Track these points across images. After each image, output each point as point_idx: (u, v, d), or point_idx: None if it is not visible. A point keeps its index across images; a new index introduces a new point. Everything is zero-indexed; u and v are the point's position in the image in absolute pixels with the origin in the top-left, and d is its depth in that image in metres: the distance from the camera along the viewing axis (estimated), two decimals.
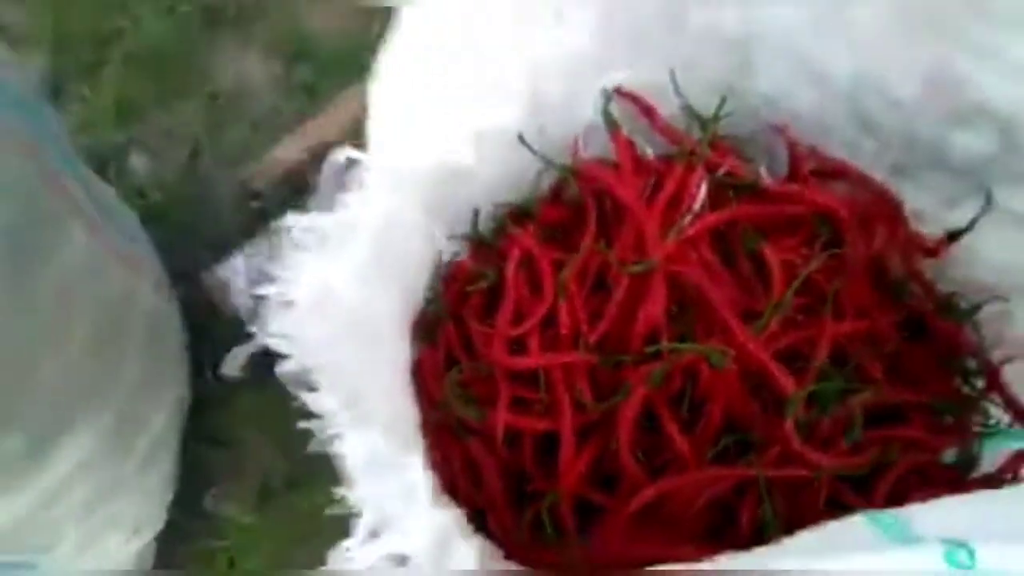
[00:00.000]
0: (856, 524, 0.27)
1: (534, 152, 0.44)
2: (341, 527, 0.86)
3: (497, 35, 0.34)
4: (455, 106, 0.32)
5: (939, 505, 0.26)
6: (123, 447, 0.76)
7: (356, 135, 1.00)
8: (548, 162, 0.46)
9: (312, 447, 0.32)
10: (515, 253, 0.44)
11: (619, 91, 0.47)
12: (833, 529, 0.28)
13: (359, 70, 1.05)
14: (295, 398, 0.94)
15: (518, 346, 0.43)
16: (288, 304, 0.32)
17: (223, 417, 0.90)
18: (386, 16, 1.11)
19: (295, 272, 0.31)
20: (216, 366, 0.90)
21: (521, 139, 0.43)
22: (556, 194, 0.48)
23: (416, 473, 0.27)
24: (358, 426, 0.28)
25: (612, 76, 0.46)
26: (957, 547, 0.22)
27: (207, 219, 0.97)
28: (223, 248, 0.93)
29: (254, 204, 0.98)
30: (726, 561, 0.28)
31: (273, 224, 0.93)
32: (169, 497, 0.84)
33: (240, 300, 0.88)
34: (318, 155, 0.99)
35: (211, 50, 1.05)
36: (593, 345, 0.42)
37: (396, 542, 0.25)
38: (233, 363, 0.83)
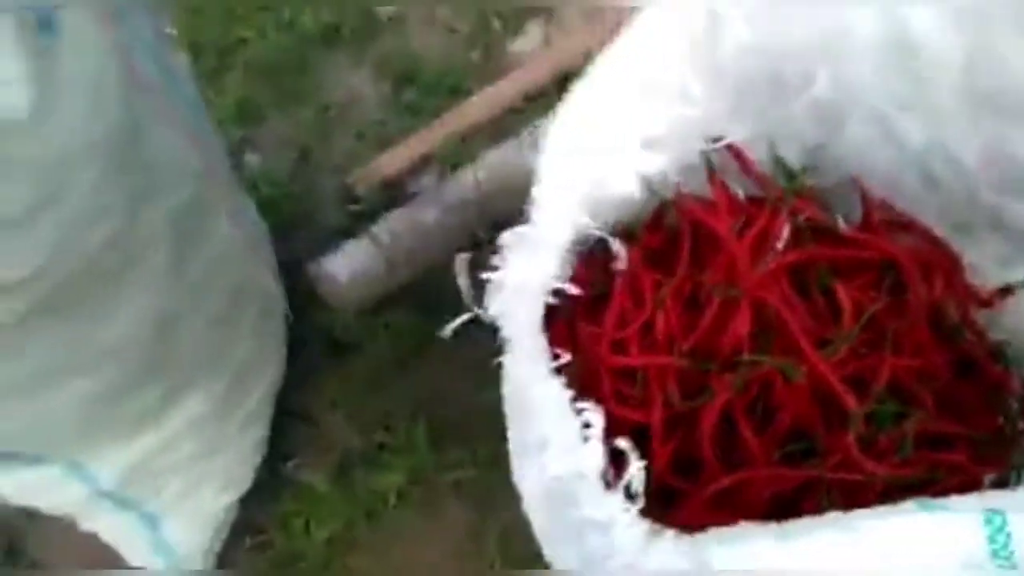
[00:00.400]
0: (905, 505, 0.34)
1: (652, 189, 0.52)
2: (408, 504, 0.94)
3: (636, 101, 0.42)
4: (612, 152, 0.39)
5: (978, 494, 0.33)
6: (228, 412, 0.85)
7: (451, 150, 1.10)
8: (655, 194, 0.54)
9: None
10: (622, 269, 0.52)
11: (720, 141, 0.54)
12: (885, 509, 0.35)
13: (458, 92, 1.16)
14: (376, 384, 1.02)
15: (619, 347, 0.50)
16: (501, 288, 0.40)
17: (310, 395, 0.98)
18: (485, 45, 1.21)
19: (508, 266, 0.40)
20: (309, 347, 0.99)
21: (643, 179, 0.51)
22: (657, 220, 0.56)
23: (591, 414, 0.35)
24: (545, 379, 0.36)
25: (716, 128, 0.53)
26: (994, 513, 0.28)
27: (311, 216, 1.07)
28: (324, 243, 1.03)
29: (354, 207, 1.07)
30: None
31: (370, 226, 1.02)
32: (257, 461, 0.92)
33: (339, 291, 0.97)
34: (416, 167, 1.09)
35: (326, 65, 1.16)
36: (685, 351, 0.49)
37: (581, 462, 0.33)
38: None
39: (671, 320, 0.50)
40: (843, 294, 0.53)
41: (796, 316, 0.51)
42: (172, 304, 0.66)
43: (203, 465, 0.85)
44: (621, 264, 0.50)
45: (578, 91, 0.43)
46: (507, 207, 1.02)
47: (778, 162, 0.57)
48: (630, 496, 0.34)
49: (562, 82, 1.11)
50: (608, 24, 1.15)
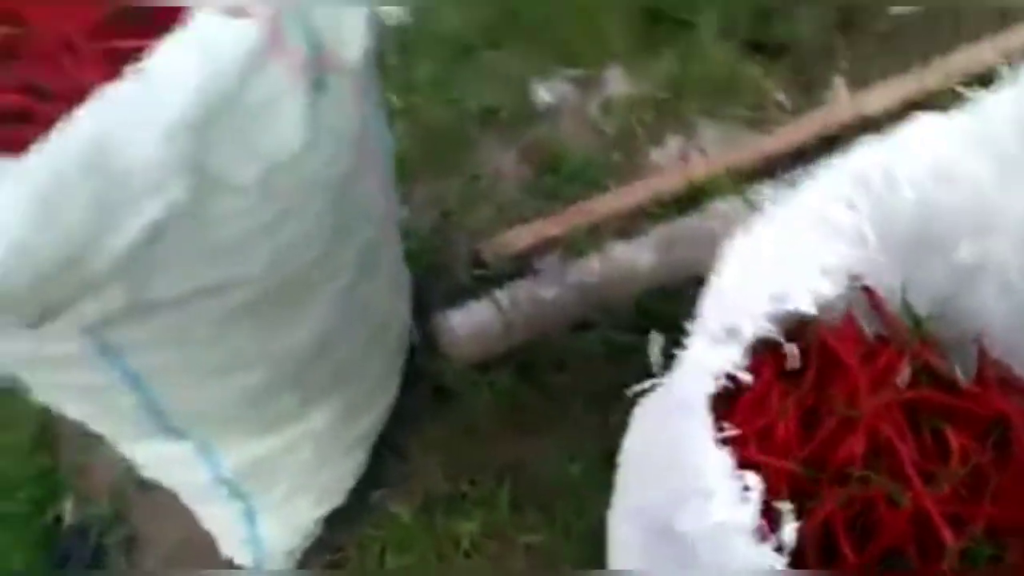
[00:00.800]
0: None
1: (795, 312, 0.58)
2: (479, 554, 0.98)
3: (815, 234, 0.49)
4: (795, 273, 0.46)
5: None
6: (343, 430, 0.93)
7: (579, 237, 1.18)
8: (797, 316, 0.60)
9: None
10: (757, 372, 0.58)
11: (860, 283, 0.61)
12: None
13: (595, 186, 1.26)
14: (471, 436, 1.08)
15: (742, 440, 0.56)
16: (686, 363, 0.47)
17: (409, 433, 1.05)
18: (627, 149, 1.30)
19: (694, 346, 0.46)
20: (417, 388, 1.07)
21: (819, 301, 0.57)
22: (794, 335, 0.62)
23: (751, 477, 0.41)
24: (713, 445, 0.43)
25: (860, 268, 0.60)
26: None
27: (442, 271, 1.16)
28: (449, 298, 1.12)
29: (480, 271, 1.17)
30: None
31: (494, 290, 1.11)
32: (351, 482, 0.99)
33: (456, 344, 1.05)
34: (543, 247, 1.19)
35: (480, 141, 1.28)
36: (800, 458, 0.55)
37: (739, 514, 0.39)
38: None
39: (790, 427, 0.56)
40: (952, 438, 0.57)
41: (906, 447, 0.55)
42: (337, 324, 0.75)
43: (310, 475, 0.92)
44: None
45: (768, 214, 0.50)
46: (622, 296, 1.10)
47: (907, 308, 0.63)
48: (778, 549, 0.40)
49: (693, 193, 1.20)
50: (740, 149, 1.24)
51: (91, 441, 1.10)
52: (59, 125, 0.58)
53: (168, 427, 0.75)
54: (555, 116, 1.29)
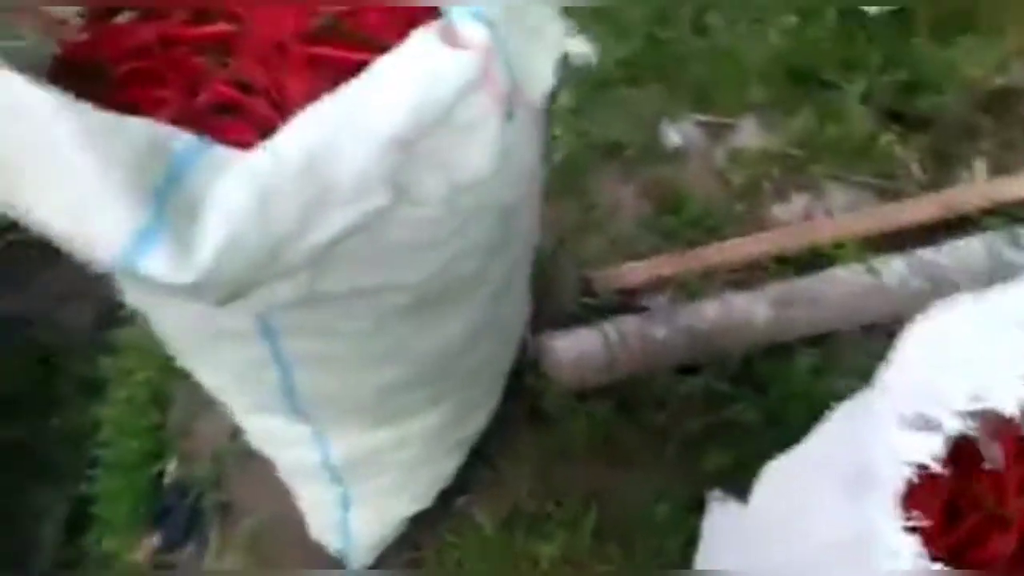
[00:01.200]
0: None
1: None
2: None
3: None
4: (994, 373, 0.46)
5: None
6: (450, 432, 0.95)
7: (693, 281, 1.17)
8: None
9: None
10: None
11: None
12: None
13: (713, 233, 1.25)
14: (564, 459, 1.09)
15: None
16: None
17: (502, 446, 1.07)
18: (750, 202, 1.29)
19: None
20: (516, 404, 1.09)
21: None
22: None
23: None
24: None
25: None
26: None
27: (552, 294, 1.18)
28: (555, 321, 1.14)
29: (589, 299, 1.18)
30: None
31: (602, 321, 1.13)
32: (442, 485, 1.02)
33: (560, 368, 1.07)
34: (654, 285, 1.19)
35: (603, 172, 1.30)
36: (939, 553, 0.54)
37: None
38: None
39: (936, 518, 0.55)
40: None
41: None
42: (476, 331, 0.78)
43: (410, 472, 0.95)
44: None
45: (958, 305, 0.50)
46: (731, 346, 1.10)
47: None
48: None
49: (814, 254, 1.19)
50: (867, 217, 1.22)
51: (199, 407, 1.17)
52: (280, 126, 0.64)
53: (295, 409, 0.79)
54: (681, 158, 1.30)
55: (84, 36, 0.67)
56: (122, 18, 0.71)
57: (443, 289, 0.68)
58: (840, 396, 1.06)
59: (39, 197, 0.49)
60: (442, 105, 0.52)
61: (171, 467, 1.11)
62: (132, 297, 0.72)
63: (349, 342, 0.70)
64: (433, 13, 0.69)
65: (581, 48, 0.62)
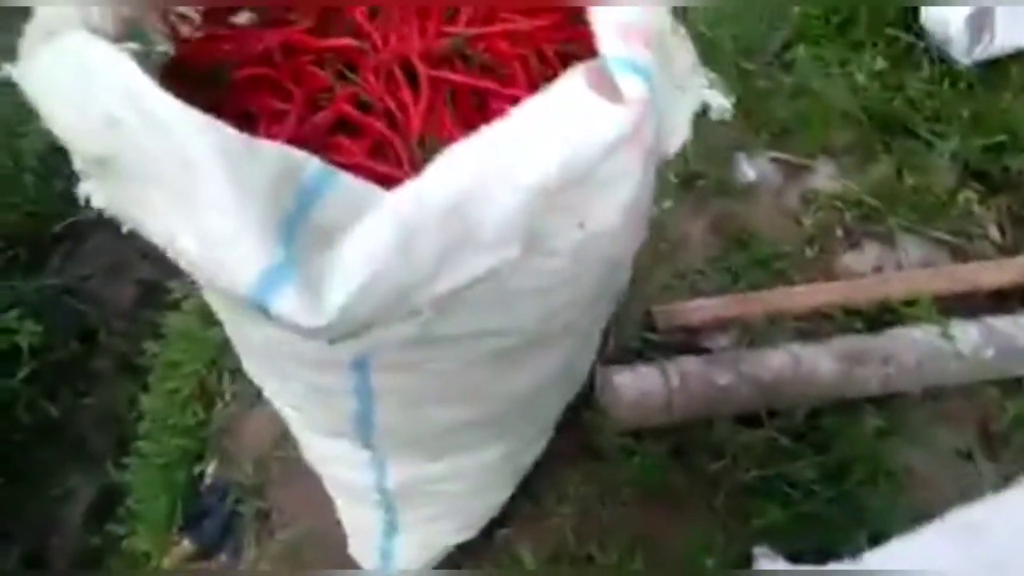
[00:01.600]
0: None
1: None
2: None
3: None
4: None
5: None
6: (503, 466, 0.92)
7: (759, 326, 1.14)
8: None
9: None
10: None
11: None
12: None
13: (780, 277, 1.22)
14: (611, 500, 1.05)
15: None
16: None
17: (548, 481, 1.04)
18: (821, 247, 1.26)
19: None
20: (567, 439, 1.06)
21: None
22: None
23: None
24: None
25: None
26: None
27: (615, 328, 1.15)
28: (614, 354, 1.11)
29: (650, 334, 1.15)
30: None
31: (663, 359, 1.09)
32: (489, 518, 0.99)
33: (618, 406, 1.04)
34: (718, 325, 1.16)
35: (674, 204, 1.27)
36: None
37: None
38: None
39: None
40: None
41: None
42: (559, 372, 0.75)
43: (462, 503, 0.93)
44: None
45: None
46: (796, 399, 1.06)
47: None
48: None
49: (885, 309, 1.16)
50: (941, 276, 1.19)
51: (245, 406, 1.14)
52: (395, 147, 0.61)
53: (364, 437, 0.76)
54: (754, 194, 1.27)
55: (202, 35, 0.64)
56: (240, 18, 0.68)
57: (540, 336, 0.65)
58: (904, 463, 1.04)
59: (169, 217, 0.46)
60: (592, 160, 0.49)
61: (211, 468, 1.08)
62: (216, 303, 0.70)
63: (433, 380, 0.67)
64: (565, 43, 0.66)
65: (719, 100, 0.59)
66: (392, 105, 0.62)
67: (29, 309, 1.31)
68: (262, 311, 0.46)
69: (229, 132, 0.46)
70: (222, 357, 1.16)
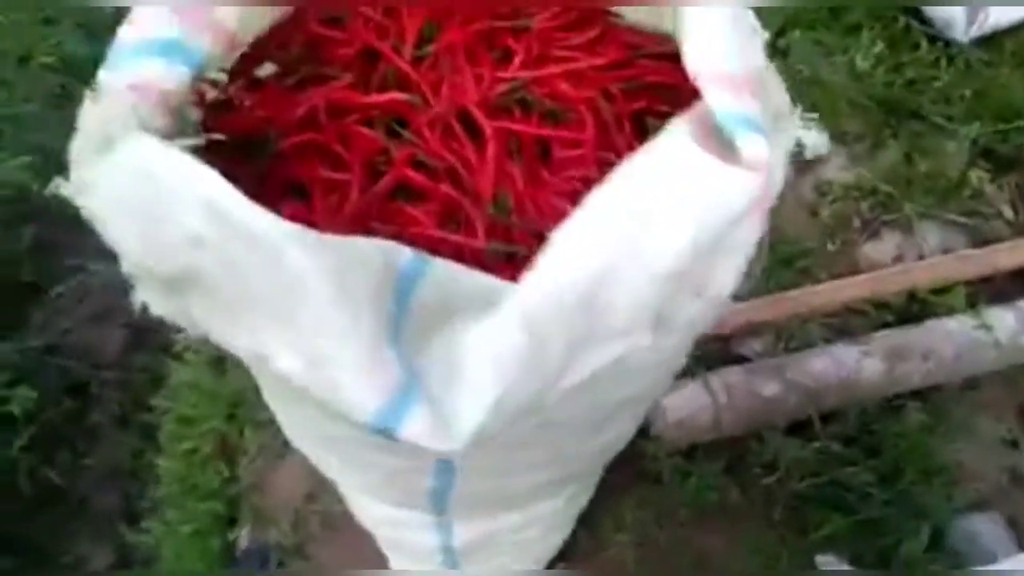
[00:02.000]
0: None
1: None
2: None
3: None
4: None
5: None
6: (568, 509, 0.89)
7: (793, 327, 1.12)
8: None
9: None
10: None
11: None
12: None
13: (806, 275, 1.20)
14: (667, 522, 1.03)
15: None
16: None
17: (603, 510, 1.01)
18: (842, 241, 1.24)
19: None
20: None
21: None
22: None
23: None
24: None
25: None
26: None
27: None
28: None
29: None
30: None
31: (705, 372, 1.07)
32: (549, 558, 0.96)
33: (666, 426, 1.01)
34: (750, 331, 1.14)
35: None
36: None
37: None
38: None
39: None
40: None
41: None
42: (631, 428, 0.72)
43: (526, 550, 0.89)
44: None
45: None
46: (842, 402, 1.05)
47: None
48: None
49: (911, 300, 1.15)
50: (963, 261, 1.18)
51: (269, 460, 1.08)
52: (468, 212, 0.56)
53: (437, 507, 0.72)
54: None
55: (239, 101, 0.57)
56: (264, 71, 0.62)
57: (622, 399, 0.61)
58: (953, 457, 1.04)
59: (265, 335, 0.41)
60: (722, 232, 0.45)
61: (245, 531, 1.02)
62: (274, 390, 0.64)
63: (522, 453, 0.63)
64: (630, 81, 0.61)
65: (814, 139, 0.55)
66: (456, 163, 0.56)
67: (17, 373, 1.22)
68: (385, 436, 0.41)
69: (328, 240, 0.41)
70: (240, 409, 1.10)
